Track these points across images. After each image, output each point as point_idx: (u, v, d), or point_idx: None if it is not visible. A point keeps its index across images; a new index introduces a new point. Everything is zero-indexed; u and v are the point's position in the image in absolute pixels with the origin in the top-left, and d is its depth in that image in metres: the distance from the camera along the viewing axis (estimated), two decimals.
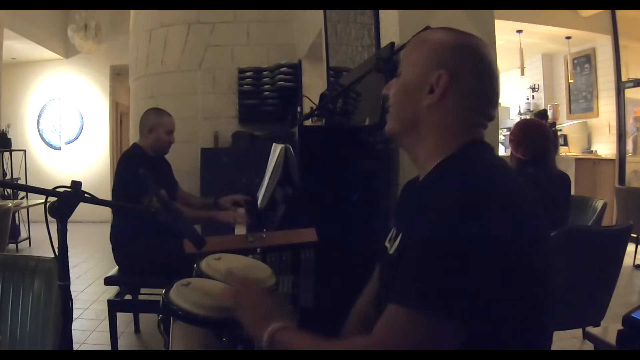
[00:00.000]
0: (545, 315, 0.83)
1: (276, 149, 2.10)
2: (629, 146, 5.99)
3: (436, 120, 0.90)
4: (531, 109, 7.11)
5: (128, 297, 2.70)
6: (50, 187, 1.00)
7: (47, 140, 7.78)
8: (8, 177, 6.06)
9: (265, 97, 4.45)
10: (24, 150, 6.64)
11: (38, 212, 5.56)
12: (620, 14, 5.72)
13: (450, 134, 0.90)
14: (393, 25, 2.10)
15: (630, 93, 5.87)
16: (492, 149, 0.93)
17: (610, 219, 5.25)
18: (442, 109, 0.90)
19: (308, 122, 2.22)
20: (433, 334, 0.73)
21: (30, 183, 6.36)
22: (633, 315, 1.34)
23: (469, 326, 0.74)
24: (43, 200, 0.98)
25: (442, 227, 0.75)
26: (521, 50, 6.11)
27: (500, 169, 0.87)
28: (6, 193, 5.62)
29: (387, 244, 0.98)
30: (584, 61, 6.38)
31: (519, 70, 6.33)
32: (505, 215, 0.77)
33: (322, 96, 2.98)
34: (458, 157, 0.88)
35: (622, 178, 5.81)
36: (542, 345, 0.84)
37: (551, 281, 0.84)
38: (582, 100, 6.52)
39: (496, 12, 2.15)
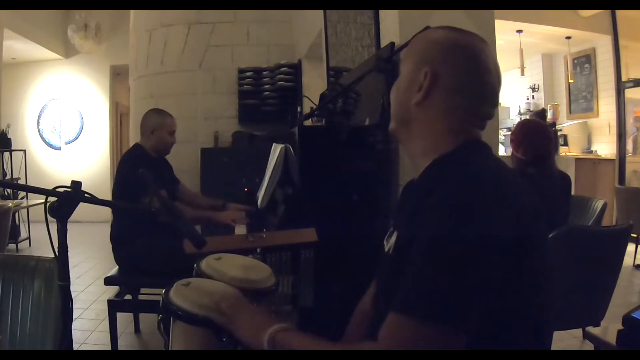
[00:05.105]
0: (544, 315, 0.83)
1: (276, 149, 2.10)
2: (629, 146, 5.99)
3: (425, 118, 0.90)
4: (531, 109, 7.11)
5: (128, 297, 2.70)
6: (50, 187, 1.00)
7: (47, 140, 7.78)
8: (8, 177, 6.06)
9: (265, 97, 4.45)
10: (24, 150, 6.64)
11: (38, 212, 5.56)
12: (620, 14, 5.72)
13: (442, 132, 0.89)
14: (393, 25, 2.10)
15: (630, 93, 5.86)
16: (489, 150, 0.92)
17: (610, 219, 5.25)
18: (429, 107, 0.90)
19: (308, 122, 2.22)
20: (439, 342, 0.72)
21: (30, 183, 6.36)
22: (633, 315, 1.33)
23: (472, 330, 0.73)
24: (43, 200, 0.98)
25: (441, 233, 0.74)
26: (521, 50, 6.11)
27: (495, 170, 0.86)
28: (6, 193, 5.62)
29: (384, 242, 0.98)
30: (584, 61, 6.38)
31: (519, 70, 6.32)
32: (502, 217, 0.76)
33: (322, 96, 2.98)
34: (452, 158, 0.87)
35: (622, 178, 5.81)
36: (543, 345, 0.84)
37: (549, 281, 0.83)
38: (582, 100, 6.52)
39: (496, 12, 2.15)
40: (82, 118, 7.73)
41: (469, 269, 0.72)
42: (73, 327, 1.05)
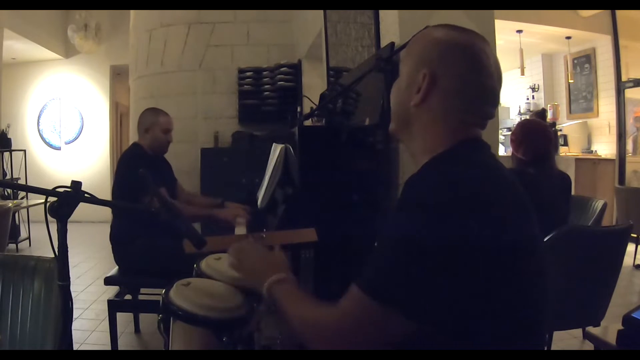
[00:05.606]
0: (523, 316, 0.81)
1: (276, 149, 2.10)
2: (629, 146, 5.99)
3: (425, 119, 0.91)
4: (531, 109, 7.11)
5: (128, 297, 2.70)
6: (50, 187, 1.00)
7: (47, 140, 7.78)
8: (8, 177, 6.06)
9: (265, 97, 4.45)
10: (24, 150, 6.63)
11: (38, 212, 5.56)
12: (620, 14, 5.72)
13: (440, 132, 0.89)
14: (393, 25, 2.10)
15: (630, 93, 5.86)
16: (487, 148, 0.91)
17: (610, 219, 5.25)
18: (428, 109, 0.90)
19: (308, 122, 2.23)
20: (381, 320, 0.77)
21: (30, 183, 6.36)
22: (633, 315, 1.33)
23: (421, 321, 0.75)
24: (43, 200, 0.98)
25: (406, 223, 0.78)
26: (521, 50, 6.11)
27: (487, 168, 0.86)
28: (6, 193, 5.62)
29: None
30: (584, 61, 6.38)
31: (519, 70, 6.32)
32: (475, 217, 0.76)
33: (322, 96, 2.98)
34: (445, 156, 0.88)
35: (622, 178, 5.81)
36: (522, 347, 0.82)
37: (538, 283, 0.82)
38: (582, 100, 6.52)
39: (496, 12, 2.15)
40: (82, 118, 7.72)
41: (419, 262, 0.75)
42: (73, 327, 1.05)
